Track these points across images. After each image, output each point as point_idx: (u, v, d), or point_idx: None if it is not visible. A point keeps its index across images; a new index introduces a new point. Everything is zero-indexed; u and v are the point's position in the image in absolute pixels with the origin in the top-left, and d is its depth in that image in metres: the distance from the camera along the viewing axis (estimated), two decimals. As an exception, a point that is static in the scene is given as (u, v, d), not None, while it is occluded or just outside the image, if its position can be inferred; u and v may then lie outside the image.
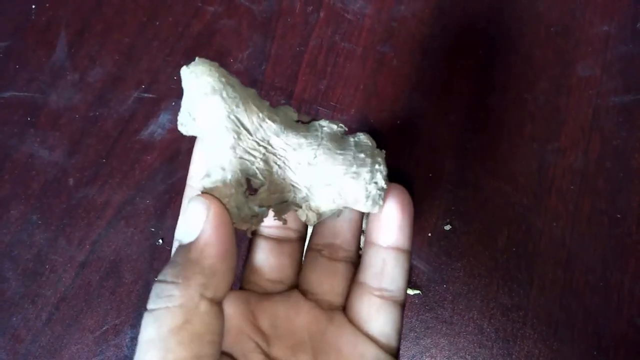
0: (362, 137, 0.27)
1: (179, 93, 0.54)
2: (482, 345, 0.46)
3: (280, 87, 0.54)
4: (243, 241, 0.46)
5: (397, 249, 0.27)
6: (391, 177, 0.47)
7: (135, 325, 0.49)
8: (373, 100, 0.53)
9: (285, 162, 0.25)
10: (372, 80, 0.53)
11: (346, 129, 0.27)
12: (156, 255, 0.50)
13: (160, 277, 0.20)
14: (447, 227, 0.49)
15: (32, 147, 0.53)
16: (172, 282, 0.20)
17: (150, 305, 0.20)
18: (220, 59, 0.55)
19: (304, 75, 0.54)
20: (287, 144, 0.24)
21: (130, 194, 0.52)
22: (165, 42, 0.56)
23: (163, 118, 0.54)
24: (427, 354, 0.46)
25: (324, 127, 0.26)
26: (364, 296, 0.27)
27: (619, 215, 0.47)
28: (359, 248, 0.29)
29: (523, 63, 0.52)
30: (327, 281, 0.27)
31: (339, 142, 0.26)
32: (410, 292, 0.47)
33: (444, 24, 0.54)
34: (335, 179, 0.25)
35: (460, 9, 0.54)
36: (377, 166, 0.26)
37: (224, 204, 0.22)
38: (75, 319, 0.49)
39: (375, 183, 0.25)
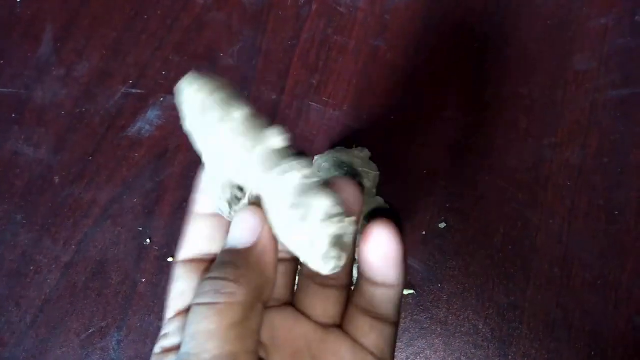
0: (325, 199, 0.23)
1: (167, 89, 0.53)
2: (478, 346, 0.45)
3: (271, 82, 0.52)
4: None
5: (385, 284, 0.26)
6: (385, 174, 0.46)
7: (122, 327, 0.47)
8: (366, 95, 0.51)
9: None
10: (365, 74, 0.52)
11: (319, 179, 0.24)
12: (143, 256, 0.49)
13: (216, 275, 0.21)
14: (442, 225, 0.47)
15: (16, 145, 0.52)
16: (232, 280, 0.21)
17: (205, 299, 0.21)
18: (210, 53, 0.54)
19: (296, 70, 0.53)
20: (262, 182, 0.23)
21: (117, 192, 0.51)
22: (153, 36, 0.55)
23: (151, 114, 0.52)
24: (422, 355, 0.45)
25: (296, 171, 0.23)
26: (357, 315, 0.27)
27: (616, 212, 0.46)
28: (351, 273, 0.28)
29: (519, 57, 0.51)
30: (320, 306, 0.27)
31: (302, 192, 0.23)
32: (405, 292, 0.46)
33: (438, 18, 0.53)
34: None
35: (455, 2, 0.53)
36: (326, 230, 0.23)
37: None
38: (61, 321, 0.48)
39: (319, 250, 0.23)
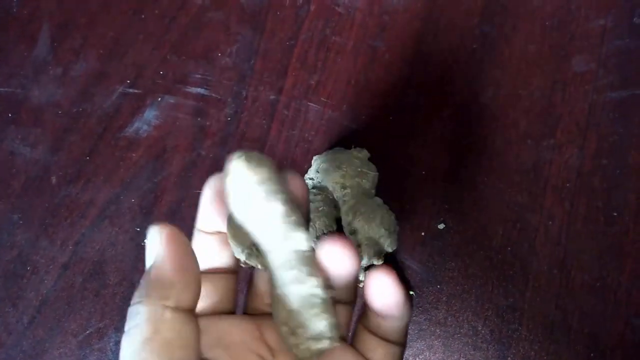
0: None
1: (165, 88, 0.53)
2: (477, 348, 0.45)
3: (269, 83, 0.52)
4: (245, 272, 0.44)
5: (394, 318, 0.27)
6: (384, 175, 0.46)
7: (120, 328, 0.47)
8: (365, 96, 0.51)
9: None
10: (363, 75, 0.52)
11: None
12: (141, 256, 0.49)
13: (130, 304, 0.22)
14: (441, 226, 0.47)
15: (12, 144, 0.52)
16: (138, 302, 0.21)
17: (125, 329, 0.21)
18: (207, 53, 0.54)
19: (294, 71, 0.53)
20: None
21: (114, 193, 0.50)
22: (151, 35, 0.54)
23: (149, 114, 0.52)
24: (421, 357, 0.45)
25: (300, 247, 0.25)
26: (364, 333, 0.28)
27: (615, 214, 0.46)
28: (356, 291, 0.29)
29: (517, 58, 0.51)
30: None
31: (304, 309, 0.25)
32: (403, 293, 0.46)
33: (437, 18, 0.53)
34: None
35: (454, 3, 0.53)
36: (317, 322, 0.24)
37: (178, 228, 0.23)
38: (58, 322, 0.48)
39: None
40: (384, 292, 0.26)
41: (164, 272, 0.22)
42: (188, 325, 0.22)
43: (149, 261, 0.23)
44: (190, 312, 0.22)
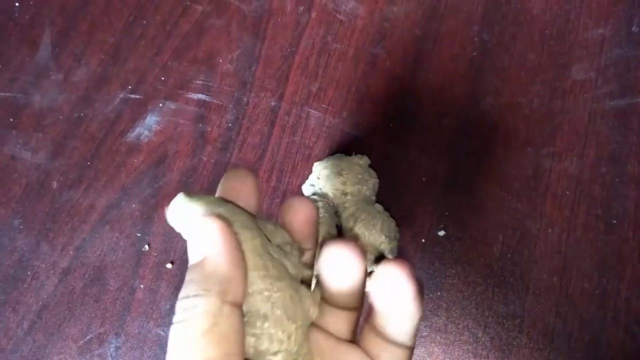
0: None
1: (166, 94, 0.53)
2: (477, 355, 0.45)
3: (270, 89, 0.52)
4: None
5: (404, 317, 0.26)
6: (384, 181, 0.46)
7: (120, 334, 0.47)
8: (365, 103, 0.51)
9: None
10: (364, 82, 0.52)
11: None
12: (142, 262, 0.49)
13: (182, 295, 0.22)
14: (441, 233, 0.48)
15: (14, 149, 0.52)
16: (195, 296, 0.22)
17: (177, 319, 0.22)
18: (209, 59, 0.54)
19: (295, 77, 0.53)
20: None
21: (115, 198, 0.50)
22: (152, 41, 0.55)
23: (150, 120, 0.52)
24: (421, 363, 0.45)
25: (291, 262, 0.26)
26: (372, 334, 0.27)
27: (615, 222, 0.47)
28: (363, 296, 0.28)
29: (517, 66, 0.52)
30: (332, 324, 0.28)
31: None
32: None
33: (437, 26, 0.53)
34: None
35: (454, 11, 0.53)
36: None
37: (227, 220, 0.24)
38: (58, 327, 0.48)
39: None
40: (394, 286, 0.25)
41: (221, 267, 0.23)
42: (240, 320, 0.23)
43: (196, 253, 0.23)
44: (240, 308, 0.23)
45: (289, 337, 0.24)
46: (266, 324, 0.24)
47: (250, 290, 0.23)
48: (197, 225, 0.23)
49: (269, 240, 0.25)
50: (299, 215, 0.27)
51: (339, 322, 0.28)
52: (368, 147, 0.50)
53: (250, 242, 0.24)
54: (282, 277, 0.24)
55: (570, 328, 0.45)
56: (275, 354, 0.24)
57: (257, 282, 0.24)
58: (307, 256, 0.28)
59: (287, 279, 0.25)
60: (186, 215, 0.25)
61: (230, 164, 0.50)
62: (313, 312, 0.26)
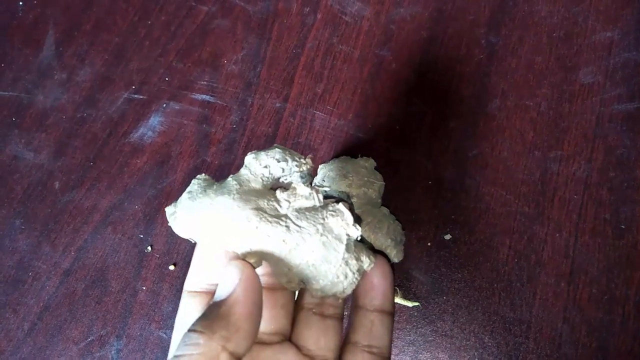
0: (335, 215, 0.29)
1: (170, 94, 0.52)
2: (484, 360, 0.44)
3: (275, 90, 0.52)
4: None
5: (382, 311, 0.30)
6: (390, 184, 0.46)
7: (122, 336, 0.47)
8: (371, 105, 0.51)
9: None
10: (370, 84, 0.52)
11: (320, 200, 0.30)
12: (144, 263, 0.48)
13: (191, 327, 0.23)
14: (447, 237, 0.47)
15: (16, 149, 0.51)
16: (199, 332, 0.22)
17: (177, 352, 0.22)
18: (213, 60, 0.53)
19: (300, 78, 0.52)
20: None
21: (118, 199, 0.50)
22: (156, 42, 0.54)
23: (153, 120, 0.52)
24: (426, 368, 0.45)
25: (295, 200, 0.29)
26: (355, 353, 0.30)
27: (623, 226, 0.46)
28: (344, 306, 0.32)
29: (524, 69, 0.51)
30: (321, 339, 0.30)
31: (312, 218, 0.29)
32: (409, 304, 0.46)
33: (443, 28, 0.53)
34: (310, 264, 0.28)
35: (461, 13, 0.53)
36: (349, 254, 0.28)
37: (254, 268, 0.25)
38: (59, 329, 0.47)
39: (349, 269, 0.28)
40: (382, 277, 0.30)
41: (234, 314, 0.23)
42: None
43: (221, 289, 0.24)
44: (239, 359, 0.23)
45: None
46: None
47: None
48: (226, 264, 0.24)
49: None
50: None
51: (328, 335, 0.30)
52: (373, 149, 0.50)
53: None
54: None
55: (577, 334, 0.44)
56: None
57: None
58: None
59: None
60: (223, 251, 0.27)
61: (234, 165, 0.50)
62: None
